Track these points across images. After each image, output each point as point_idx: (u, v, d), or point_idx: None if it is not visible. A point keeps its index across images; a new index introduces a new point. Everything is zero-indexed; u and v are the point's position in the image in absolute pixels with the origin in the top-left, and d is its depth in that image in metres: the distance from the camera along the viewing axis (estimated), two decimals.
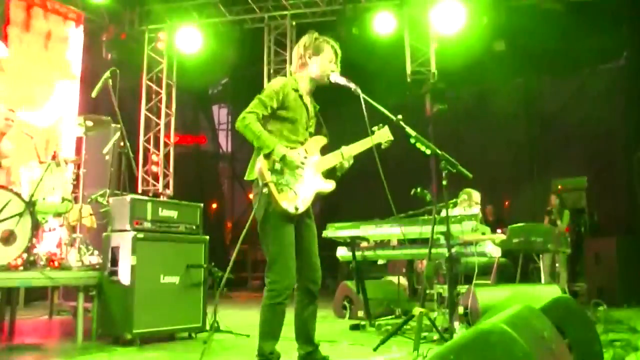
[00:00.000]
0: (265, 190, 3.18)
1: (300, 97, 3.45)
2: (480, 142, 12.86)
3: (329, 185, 3.44)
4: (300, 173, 3.31)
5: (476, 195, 6.38)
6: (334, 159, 3.49)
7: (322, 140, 3.53)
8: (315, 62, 3.47)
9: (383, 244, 6.27)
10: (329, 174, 3.50)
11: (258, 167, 3.21)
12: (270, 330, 3.24)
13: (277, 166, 3.21)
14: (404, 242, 5.67)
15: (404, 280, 7.57)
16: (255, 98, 3.33)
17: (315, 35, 3.53)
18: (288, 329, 3.39)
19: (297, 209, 3.24)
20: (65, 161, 5.34)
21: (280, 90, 3.36)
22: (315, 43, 3.49)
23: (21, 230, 4.48)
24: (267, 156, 3.20)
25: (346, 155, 3.49)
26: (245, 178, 3.39)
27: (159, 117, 11.45)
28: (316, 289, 3.43)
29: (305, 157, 3.37)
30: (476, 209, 5.90)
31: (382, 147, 3.57)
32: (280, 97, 3.35)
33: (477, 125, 13.12)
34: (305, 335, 3.43)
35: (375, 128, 3.54)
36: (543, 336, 2.07)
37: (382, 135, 3.55)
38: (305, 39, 3.53)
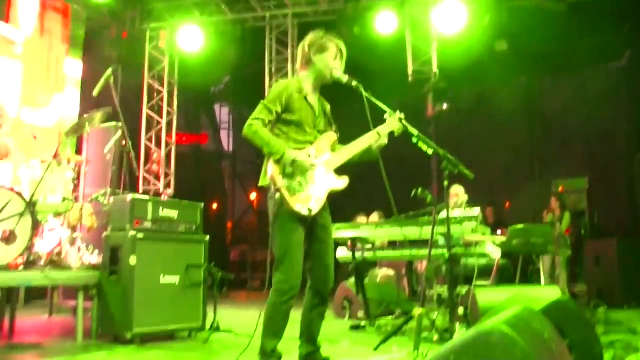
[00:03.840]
0: (277, 195, 3.22)
1: (305, 97, 3.46)
2: (481, 143, 12.85)
3: (341, 183, 3.45)
4: (312, 174, 3.32)
5: (459, 189, 6.40)
6: (359, 144, 3.50)
7: (332, 138, 3.53)
8: (319, 60, 3.47)
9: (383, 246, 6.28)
10: (366, 154, 3.53)
11: (270, 173, 3.23)
12: (273, 328, 3.25)
13: (288, 170, 3.22)
14: (404, 243, 5.67)
15: (389, 271, 7.59)
16: (260, 104, 3.35)
17: (321, 33, 3.53)
18: (291, 328, 3.40)
19: (310, 211, 3.26)
20: (68, 159, 5.34)
21: (283, 94, 3.37)
22: (321, 41, 3.49)
23: (21, 229, 4.47)
24: (278, 161, 3.22)
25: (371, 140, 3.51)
26: (259, 184, 3.40)
27: (160, 116, 11.44)
28: (327, 290, 3.45)
29: (316, 158, 3.37)
30: (476, 210, 5.89)
31: (395, 135, 3.58)
32: (283, 101, 3.36)
33: (478, 125, 13.12)
34: (309, 334, 3.44)
35: (386, 115, 3.54)
36: (543, 337, 2.07)
37: (392, 124, 3.55)
38: (310, 37, 3.53)
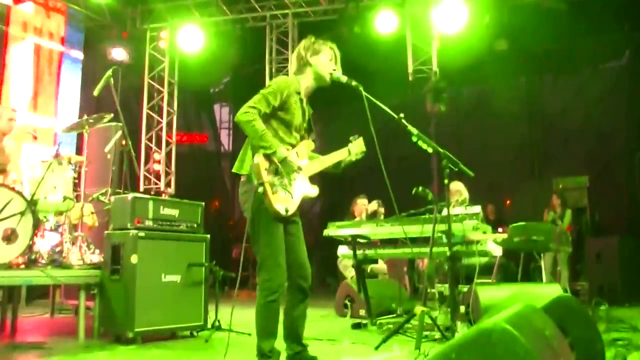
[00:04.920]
0: (260, 189, 3.19)
1: (301, 100, 3.48)
2: (481, 141, 12.84)
3: (314, 191, 3.49)
4: (295, 176, 3.34)
5: (460, 186, 6.42)
6: (331, 159, 3.60)
7: (310, 146, 3.58)
8: (316, 61, 3.50)
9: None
10: (334, 167, 3.63)
11: (255, 166, 3.20)
12: (267, 328, 3.26)
13: (273, 167, 3.23)
14: (405, 241, 5.67)
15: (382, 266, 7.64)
16: (259, 93, 3.32)
17: (314, 38, 3.57)
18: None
19: (287, 211, 3.27)
20: (69, 160, 5.35)
21: (285, 90, 3.37)
22: (315, 45, 3.52)
23: (22, 228, 4.48)
24: (267, 156, 3.21)
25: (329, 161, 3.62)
26: (233, 170, 3.40)
27: (160, 116, 11.46)
28: (306, 285, 3.44)
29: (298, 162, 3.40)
30: (477, 208, 5.90)
31: (354, 158, 3.64)
32: (283, 97, 3.35)
33: (478, 124, 13.10)
34: (293, 334, 3.43)
35: (351, 138, 3.59)
36: (545, 335, 2.07)
37: (356, 146, 3.60)
38: (304, 42, 3.58)
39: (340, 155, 3.61)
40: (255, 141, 3.22)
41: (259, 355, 3.25)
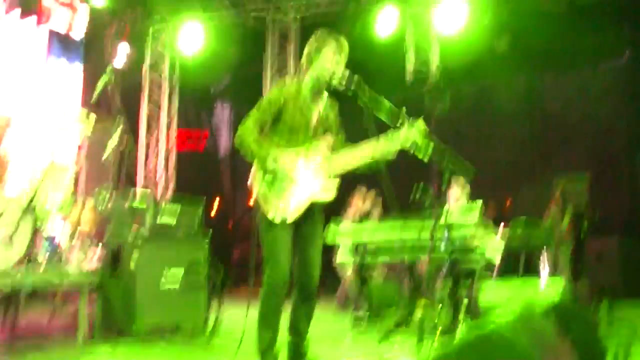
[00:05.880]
0: (255, 198, 3.37)
1: (303, 102, 3.45)
2: (481, 141, 12.83)
3: (326, 195, 3.42)
4: (293, 184, 3.36)
5: (460, 185, 6.41)
6: (360, 155, 3.42)
7: (327, 143, 3.50)
8: (317, 60, 3.45)
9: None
10: (372, 165, 3.45)
11: (251, 178, 3.38)
12: (267, 322, 3.31)
13: (268, 178, 3.33)
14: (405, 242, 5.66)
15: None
16: (254, 108, 3.41)
17: (318, 33, 3.50)
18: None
19: (284, 219, 3.31)
20: (61, 170, 5.35)
21: (275, 102, 3.42)
22: (317, 42, 3.47)
23: (22, 231, 4.47)
24: (261, 168, 3.34)
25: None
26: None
27: (160, 116, 11.45)
28: (312, 286, 3.45)
29: (303, 166, 3.39)
30: (477, 208, 5.88)
31: (397, 148, 3.46)
32: (275, 109, 3.40)
33: (479, 123, 13.10)
34: (294, 329, 3.47)
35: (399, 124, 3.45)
36: (545, 335, 2.06)
37: (413, 133, 3.47)
38: (310, 39, 3.53)
39: (371, 150, 3.38)
40: (249, 158, 3.37)
41: (259, 350, 3.31)
